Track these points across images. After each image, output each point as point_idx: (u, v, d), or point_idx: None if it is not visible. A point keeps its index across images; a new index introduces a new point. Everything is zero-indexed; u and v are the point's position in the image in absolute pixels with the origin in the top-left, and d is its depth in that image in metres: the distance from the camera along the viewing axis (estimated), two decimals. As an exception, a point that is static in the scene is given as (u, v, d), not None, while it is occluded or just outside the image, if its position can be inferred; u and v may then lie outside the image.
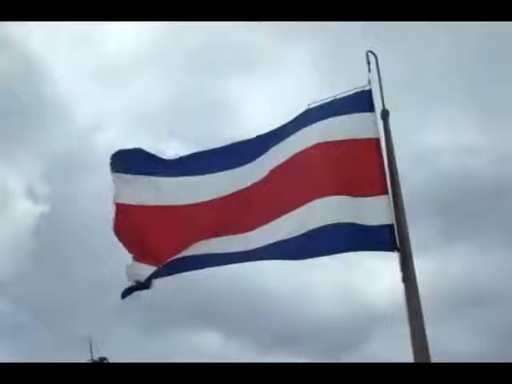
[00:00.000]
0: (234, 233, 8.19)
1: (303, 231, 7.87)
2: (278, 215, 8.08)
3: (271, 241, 7.97)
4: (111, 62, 33.72)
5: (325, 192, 7.94)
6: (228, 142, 8.67)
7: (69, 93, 33.49)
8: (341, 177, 8.01)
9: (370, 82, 8.09)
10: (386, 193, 7.78)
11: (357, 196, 7.86)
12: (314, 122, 8.22)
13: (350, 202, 7.85)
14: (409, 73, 25.57)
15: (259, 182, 8.36)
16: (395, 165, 7.92)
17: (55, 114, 32.36)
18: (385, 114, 8.09)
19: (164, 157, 8.74)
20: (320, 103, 8.28)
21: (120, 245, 8.42)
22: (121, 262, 8.25)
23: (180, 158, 8.68)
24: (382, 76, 8.10)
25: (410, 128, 24.62)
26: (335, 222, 7.80)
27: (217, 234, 8.22)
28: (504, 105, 26.59)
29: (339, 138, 8.10)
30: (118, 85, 33.66)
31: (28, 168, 32.20)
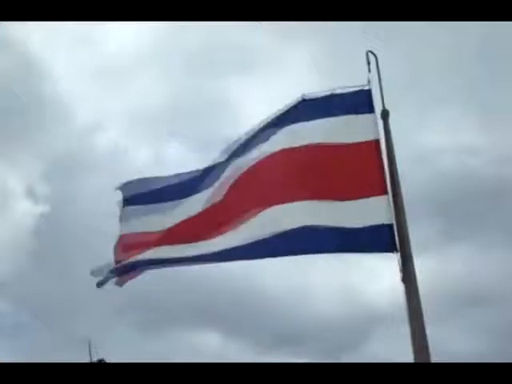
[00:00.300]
0: (196, 240, 8.22)
1: (276, 232, 7.84)
2: (247, 218, 8.05)
3: (237, 243, 7.95)
4: (111, 62, 33.78)
5: (306, 196, 7.89)
6: (227, 142, 8.67)
7: (69, 93, 33.60)
8: (332, 181, 7.94)
9: (369, 81, 8.07)
10: (386, 193, 7.76)
11: (352, 199, 7.79)
12: (308, 120, 8.12)
13: (340, 207, 7.78)
14: (409, 73, 25.61)
15: (230, 186, 8.36)
16: (395, 165, 7.90)
17: (55, 114, 32.43)
18: (385, 114, 8.06)
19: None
20: (316, 96, 8.16)
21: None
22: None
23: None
24: (381, 76, 8.08)
25: (410, 128, 24.65)
26: (316, 224, 7.75)
27: (177, 242, 8.28)
28: (504, 105, 26.63)
29: (336, 140, 8.01)
30: (118, 85, 33.74)
31: (28, 168, 32.24)
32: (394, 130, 8.01)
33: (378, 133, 7.95)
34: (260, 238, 7.85)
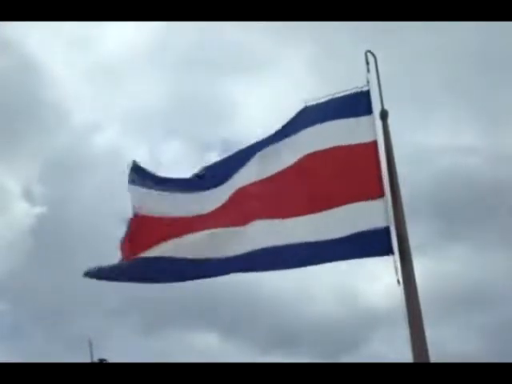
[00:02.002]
0: (226, 226, 8.19)
1: (277, 244, 7.92)
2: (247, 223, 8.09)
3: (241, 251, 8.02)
4: (109, 62, 33.76)
5: (307, 210, 7.94)
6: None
7: (66, 92, 33.52)
8: (331, 187, 7.97)
9: (368, 82, 8.06)
10: (383, 195, 7.73)
11: (349, 203, 7.79)
12: (312, 124, 8.15)
13: (337, 213, 7.81)
14: (409, 73, 25.61)
15: (254, 182, 8.35)
16: (394, 165, 7.89)
17: (53, 114, 32.39)
18: (384, 115, 8.05)
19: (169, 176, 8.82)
20: (318, 102, 8.20)
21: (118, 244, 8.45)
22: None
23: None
24: (381, 76, 8.07)
25: (409, 128, 24.67)
26: (315, 240, 7.82)
27: (206, 228, 8.23)
28: (503, 105, 26.66)
29: (335, 144, 8.04)
30: (116, 85, 33.70)
31: (26, 168, 32.22)
32: (393, 131, 8.02)
33: (375, 134, 7.92)
34: (260, 248, 7.93)
